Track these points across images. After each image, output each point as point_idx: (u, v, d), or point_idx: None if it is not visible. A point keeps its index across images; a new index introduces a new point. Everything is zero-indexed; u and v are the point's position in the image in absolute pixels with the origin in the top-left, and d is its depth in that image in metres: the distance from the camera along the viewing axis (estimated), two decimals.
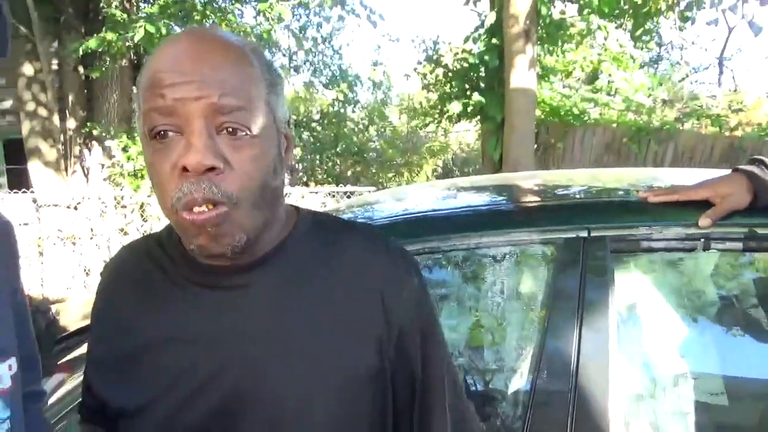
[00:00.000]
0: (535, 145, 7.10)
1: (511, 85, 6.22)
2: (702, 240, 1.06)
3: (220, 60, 0.60)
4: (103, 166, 6.56)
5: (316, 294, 0.68)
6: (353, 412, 0.67)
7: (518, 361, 1.12)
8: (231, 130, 0.60)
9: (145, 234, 0.80)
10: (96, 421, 0.74)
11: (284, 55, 9.35)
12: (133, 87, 7.20)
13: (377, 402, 0.69)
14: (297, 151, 9.39)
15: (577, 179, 1.71)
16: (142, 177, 6.41)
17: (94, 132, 6.41)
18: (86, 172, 6.58)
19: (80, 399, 0.78)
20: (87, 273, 6.27)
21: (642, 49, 8.13)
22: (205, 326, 0.66)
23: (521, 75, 6.15)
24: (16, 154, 6.84)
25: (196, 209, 0.59)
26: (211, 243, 0.61)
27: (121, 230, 6.33)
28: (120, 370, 0.69)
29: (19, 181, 6.69)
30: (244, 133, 0.60)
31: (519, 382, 1.09)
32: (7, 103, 6.86)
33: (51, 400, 1.17)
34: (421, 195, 1.76)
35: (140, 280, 0.72)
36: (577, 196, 1.38)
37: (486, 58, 7.02)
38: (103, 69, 6.02)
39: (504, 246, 1.16)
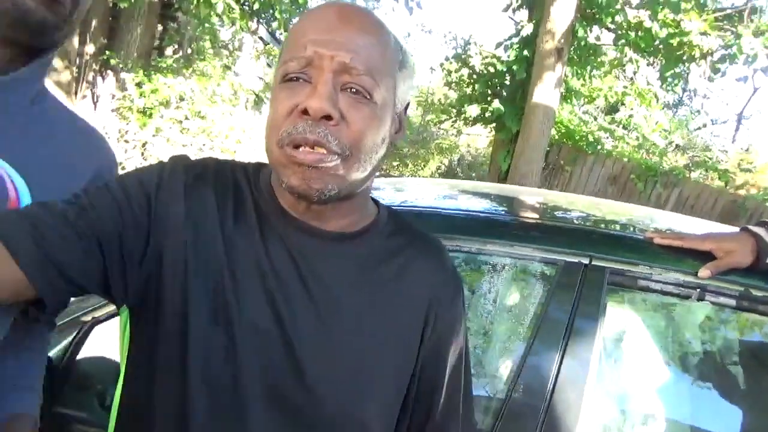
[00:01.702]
0: (544, 164, 7.11)
1: (533, 100, 6.21)
2: (698, 290, 1.07)
3: (359, 29, 0.66)
4: (113, 96, 6.49)
5: (384, 282, 0.74)
6: (387, 396, 0.73)
7: (498, 371, 1.13)
8: (354, 90, 0.65)
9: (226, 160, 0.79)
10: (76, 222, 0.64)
11: None
12: (159, 25, 7.19)
13: (401, 394, 0.75)
14: None
15: (585, 206, 1.72)
16: (151, 116, 6.36)
17: (112, 61, 6.34)
18: (96, 99, 6.52)
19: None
20: None
21: (667, 90, 8.12)
22: (282, 273, 0.68)
23: (545, 92, 6.14)
24: None
25: (302, 149, 0.63)
26: (302, 183, 0.64)
27: (119, 164, 6.28)
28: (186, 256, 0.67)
29: None
30: (365, 96, 0.66)
31: (494, 391, 1.11)
32: None
33: None
34: (429, 190, 1.76)
35: (228, 192, 0.71)
36: (584, 223, 1.39)
37: (514, 68, 7.01)
38: (133, 0, 5.95)
39: (505, 257, 1.17)
